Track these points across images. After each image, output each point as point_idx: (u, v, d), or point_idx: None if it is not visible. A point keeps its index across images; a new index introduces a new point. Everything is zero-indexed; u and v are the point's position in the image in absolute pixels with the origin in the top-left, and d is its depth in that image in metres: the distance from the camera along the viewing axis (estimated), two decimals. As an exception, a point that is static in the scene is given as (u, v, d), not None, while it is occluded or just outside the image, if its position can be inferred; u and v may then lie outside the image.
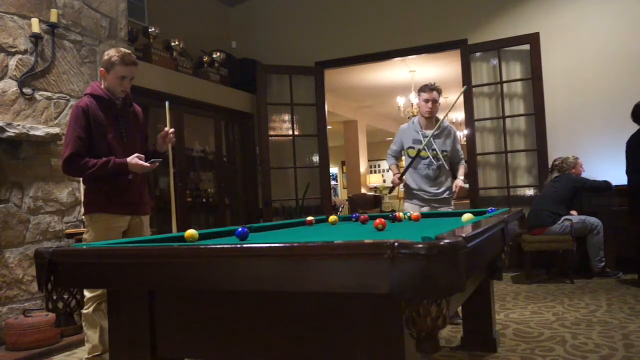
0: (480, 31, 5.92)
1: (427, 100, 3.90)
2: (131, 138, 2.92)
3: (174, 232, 2.63)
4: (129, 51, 2.92)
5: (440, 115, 4.03)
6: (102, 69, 2.85)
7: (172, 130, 3.03)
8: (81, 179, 2.90)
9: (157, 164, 2.90)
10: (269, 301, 1.45)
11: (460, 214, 3.34)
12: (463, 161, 4.09)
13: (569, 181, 4.97)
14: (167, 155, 3.12)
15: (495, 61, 5.85)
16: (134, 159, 2.80)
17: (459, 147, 4.05)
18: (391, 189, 4.63)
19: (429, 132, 3.89)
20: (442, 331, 3.20)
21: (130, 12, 4.91)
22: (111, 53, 2.85)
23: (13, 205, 3.55)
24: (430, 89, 3.89)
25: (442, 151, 3.91)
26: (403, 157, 4.29)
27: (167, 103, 3.20)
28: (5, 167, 3.52)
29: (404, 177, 4.02)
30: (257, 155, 6.67)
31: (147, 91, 4.90)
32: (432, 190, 3.94)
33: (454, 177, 4.02)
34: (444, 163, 3.92)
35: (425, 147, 3.90)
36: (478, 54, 5.90)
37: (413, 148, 3.97)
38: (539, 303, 4.05)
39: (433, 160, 3.90)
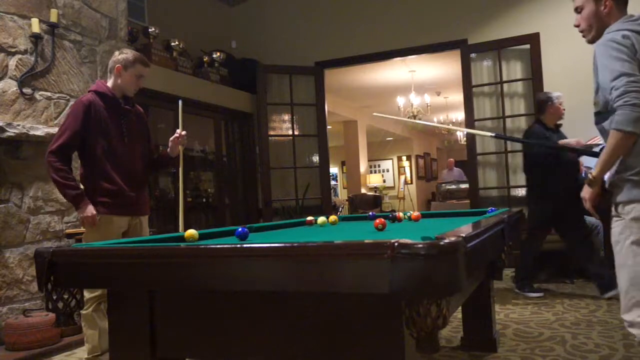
0: (480, 31, 5.92)
1: None
2: (132, 139, 2.91)
3: (181, 231, 2.63)
4: None
5: None
6: (118, 65, 2.85)
7: (183, 132, 3.01)
8: (79, 179, 2.89)
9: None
10: (269, 301, 1.45)
11: (461, 214, 3.35)
12: None
13: None
14: (177, 159, 3.08)
15: (489, 61, 5.86)
16: (88, 208, 2.71)
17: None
18: None
19: None
20: (442, 331, 3.20)
21: (130, 12, 4.91)
22: (129, 52, 2.90)
23: (13, 205, 3.55)
24: None
25: None
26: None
27: (180, 102, 3.16)
28: (5, 167, 3.52)
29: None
30: (257, 155, 6.67)
31: (147, 91, 4.89)
32: None
33: None
34: None
35: None
36: (478, 54, 5.90)
37: None
38: (539, 303, 4.05)
39: None
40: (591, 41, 2.06)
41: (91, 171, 2.81)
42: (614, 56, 1.80)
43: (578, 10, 2.04)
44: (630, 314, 1.83)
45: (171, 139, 3.03)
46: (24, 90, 3.66)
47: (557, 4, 5.62)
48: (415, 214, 2.97)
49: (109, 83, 2.89)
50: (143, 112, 3.08)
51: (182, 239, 1.98)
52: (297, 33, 6.79)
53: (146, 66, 2.91)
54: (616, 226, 1.87)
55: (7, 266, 3.48)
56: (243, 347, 1.50)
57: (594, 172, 1.89)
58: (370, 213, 3.23)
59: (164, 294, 1.59)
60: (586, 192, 1.94)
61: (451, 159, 11.98)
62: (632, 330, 1.85)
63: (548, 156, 4.16)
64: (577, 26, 2.07)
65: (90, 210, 2.72)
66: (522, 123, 5.73)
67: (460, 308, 2.98)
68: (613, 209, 1.90)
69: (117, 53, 2.92)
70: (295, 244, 1.35)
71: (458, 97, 7.71)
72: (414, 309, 1.20)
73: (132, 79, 2.86)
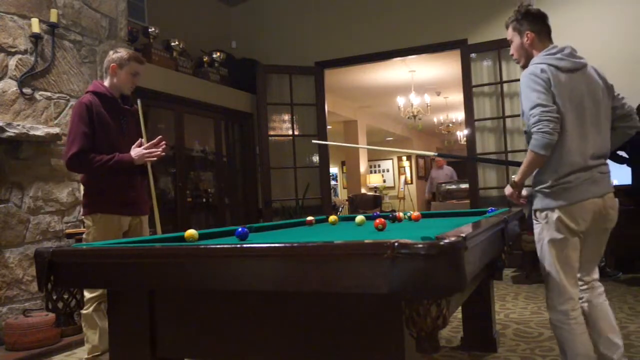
0: (480, 31, 5.91)
1: None
2: (132, 138, 2.92)
3: (159, 234, 2.64)
4: None
5: None
6: (113, 64, 2.84)
7: (158, 152, 2.87)
8: (79, 179, 2.89)
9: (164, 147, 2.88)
10: (269, 301, 1.45)
11: (461, 214, 3.35)
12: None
13: None
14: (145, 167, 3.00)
15: (489, 61, 5.86)
16: (135, 150, 2.81)
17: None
18: None
19: None
20: (442, 331, 3.19)
21: (130, 12, 4.91)
22: (123, 51, 2.90)
23: (13, 205, 3.54)
24: None
25: None
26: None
27: (139, 101, 3.14)
28: (5, 167, 3.52)
29: None
30: (257, 155, 6.67)
31: (147, 91, 4.90)
32: None
33: None
34: None
35: None
36: (478, 54, 5.90)
37: None
38: (539, 303, 4.04)
39: None
40: (523, 67, 2.34)
41: None
42: (533, 88, 2.08)
43: (510, 42, 2.35)
44: (548, 295, 2.23)
45: (142, 150, 2.87)
46: (24, 90, 3.66)
47: (557, 4, 5.62)
48: (415, 214, 2.96)
49: (106, 83, 2.89)
50: (138, 112, 3.09)
51: (182, 239, 1.98)
52: (297, 33, 6.79)
53: (141, 63, 2.91)
54: (536, 227, 2.24)
55: (7, 266, 3.48)
56: (243, 347, 1.50)
57: (515, 178, 2.27)
58: (375, 213, 3.24)
59: (164, 294, 1.59)
60: (507, 190, 2.32)
61: (439, 158, 11.88)
62: (548, 310, 2.24)
63: None
64: (512, 55, 2.36)
65: (137, 151, 2.78)
66: (522, 123, 5.73)
67: (460, 308, 2.98)
68: (532, 214, 2.26)
69: (111, 52, 2.92)
70: (295, 244, 1.35)
71: (458, 97, 7.71)
72: (414, 309, 1.20)
73: (128, 77, 2.86)
